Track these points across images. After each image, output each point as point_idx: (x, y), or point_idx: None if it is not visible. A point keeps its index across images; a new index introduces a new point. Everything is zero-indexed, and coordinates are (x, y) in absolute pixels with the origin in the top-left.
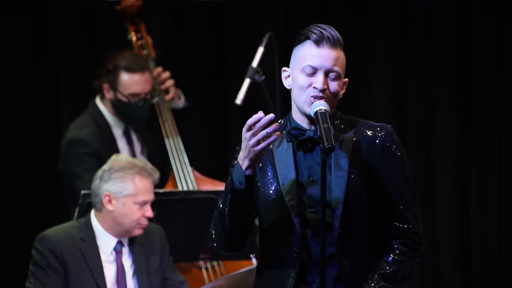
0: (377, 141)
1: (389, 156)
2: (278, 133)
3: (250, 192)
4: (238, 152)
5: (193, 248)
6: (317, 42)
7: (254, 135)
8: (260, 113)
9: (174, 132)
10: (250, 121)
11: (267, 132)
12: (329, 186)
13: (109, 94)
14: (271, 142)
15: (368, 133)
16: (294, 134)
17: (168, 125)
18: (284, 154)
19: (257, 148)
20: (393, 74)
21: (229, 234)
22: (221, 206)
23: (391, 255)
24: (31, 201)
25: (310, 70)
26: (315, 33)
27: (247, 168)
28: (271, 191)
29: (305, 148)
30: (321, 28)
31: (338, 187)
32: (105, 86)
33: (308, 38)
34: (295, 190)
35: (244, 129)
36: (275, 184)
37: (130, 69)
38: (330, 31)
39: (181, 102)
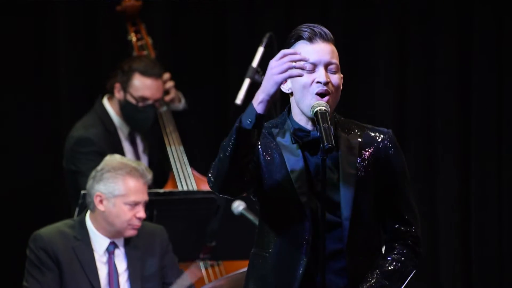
0: (381, 146)
1: (393, 161)
2: (302, 72)
3: (255, 135)
4: None
5: (193, 248)
6: (310, 39)
7: (280, 62)
8: (297, 52)
9: (176, 141)
10: (285, 51)
11: (293, 66)
12: (337, 187)
13: (119, 94)
14: (292, 76)
15: (372, 138)
16: (300, 136)
17: (172, 136)
18: (290, 144)
19: (278, 76)
20: (393, 74)
21: (226, 175)
22: (223, 143)
23: (392, 255)
24: (31, 200)
25: (310, 66)
26: (306, 31)
27: (260, 102)
28: (279, 178)
29: (310, 151)
30: (310, 26)
31: (347, 188)
32: (117, 85)
33: (299, 38)
34: (304, 177)
35: (272, 59)
36: (283, 171)
37: (144, 73)
38: (321, 28)
39: (181, 105)
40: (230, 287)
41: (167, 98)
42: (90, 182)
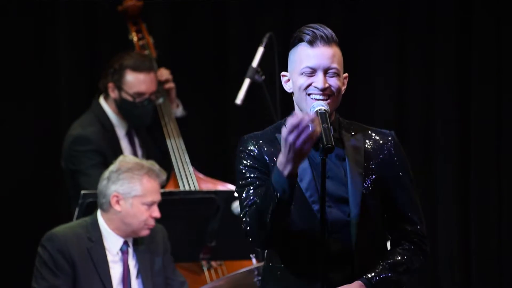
0: (385, 147)
1: (396, 162)
2: (318, 129)
3: (292, 198)
4: (240, 157)
5: (193, 248)
6: (311, 43)
7: (298, 136)
8: (300, 114)
9: (176, 133)
10: (293, 122)
11: (311, 130)
12: (345, 184)
13: (114, 94)
14: (316, 140)
15: (376, 139)
16: None
17: (170, 127)
18: None
19: (306, 148)
20: (393, 74)
21: (269, 235)
22: (259, 207)
23: (398, 249)
24: (31, 200)
25: (309, 71)
26: (308, 34)
27: (290, 173)
28: None
29: (315, 147)
30: (313, 28)
31: (355, 186)
32: (110, 85)
33: (301, 40)
34: (314, 185)
35: (285, 133)
36: None
37: (136, 68)
38: (323, 30)
39: (179, 111)
40: (230, 287)
41: (166, 86)
42: (104, 182)
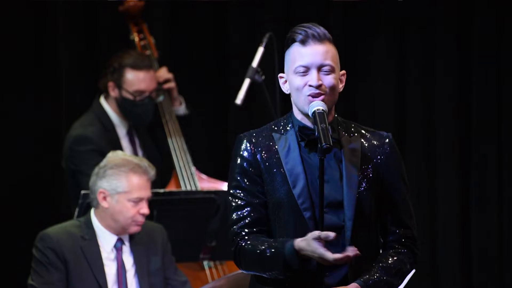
0: (381, 149)
1: (392, 164)
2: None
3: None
4: (235, 158)
5: (193, 248)
6: (303, 42)
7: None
8: (331, 235)
9: (177, 132)
10: (323, 236)
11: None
12: (340, 186)
13: (114, 92)
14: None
15: (373, 141)
16: (307, 133)
17: (171, 125)
18: (291, 156)
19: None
20: (393, 74)
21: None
22: (263, 262)
23: (391, 252)
24: (31, 200)
25: (302, 69)
26: (300, 33)
27: (303, 259)
28: (282, 194)
29: (313, 148)
30: (304, 27)
31: (350, 188)
32: (110, 84)
33: (293, 40)
34: (306, 192)
35: (315, 236)
36: (285, 186)
37: (135, 67)
38: (315, 28)
39: (181, 109)
40: (230, 287)
41: (166, 86)
42: (93, 178)
